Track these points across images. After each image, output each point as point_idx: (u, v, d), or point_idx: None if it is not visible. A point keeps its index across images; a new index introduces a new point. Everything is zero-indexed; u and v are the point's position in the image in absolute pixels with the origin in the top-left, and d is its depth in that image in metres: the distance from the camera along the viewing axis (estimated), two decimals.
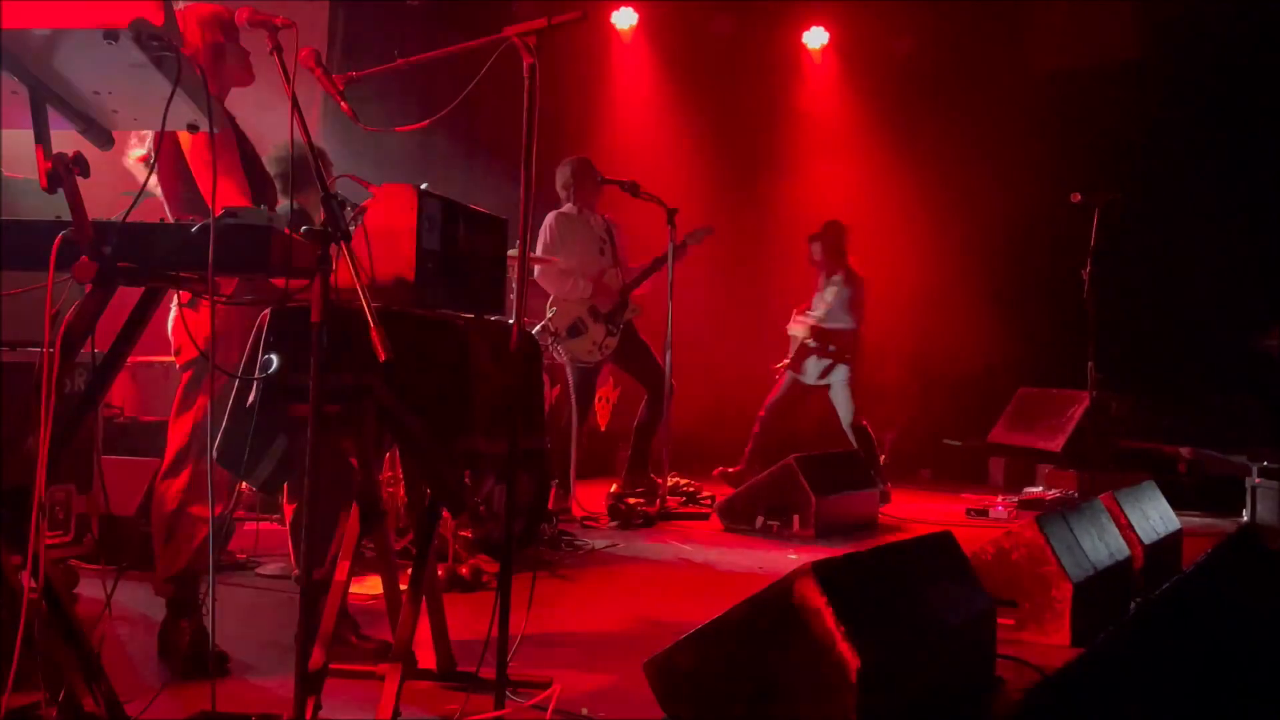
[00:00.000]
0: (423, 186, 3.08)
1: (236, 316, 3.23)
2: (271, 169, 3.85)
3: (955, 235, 8.95)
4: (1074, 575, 3.95)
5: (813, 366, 7.84)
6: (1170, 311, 8.50)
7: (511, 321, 3.08)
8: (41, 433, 2.27)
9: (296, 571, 3.81)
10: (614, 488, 6.92)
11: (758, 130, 9.56)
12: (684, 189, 8.02)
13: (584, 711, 3.08)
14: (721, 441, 8.63)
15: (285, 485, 3.55)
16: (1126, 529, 4.56)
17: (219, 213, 2.38)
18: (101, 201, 2.44)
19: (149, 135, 3.35)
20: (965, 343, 8.72)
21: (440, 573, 4.33)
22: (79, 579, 4.10)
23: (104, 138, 2.44)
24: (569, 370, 6.85)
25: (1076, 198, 6.59)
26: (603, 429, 8.16)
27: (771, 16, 9.60)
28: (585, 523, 6.38)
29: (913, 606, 3.11)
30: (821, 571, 2.77)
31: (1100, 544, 4.29)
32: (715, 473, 7.91)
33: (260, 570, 4.83)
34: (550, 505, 5.63)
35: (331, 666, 2.96)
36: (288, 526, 4.05)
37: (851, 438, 7.66)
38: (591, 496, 6.76)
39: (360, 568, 3.82)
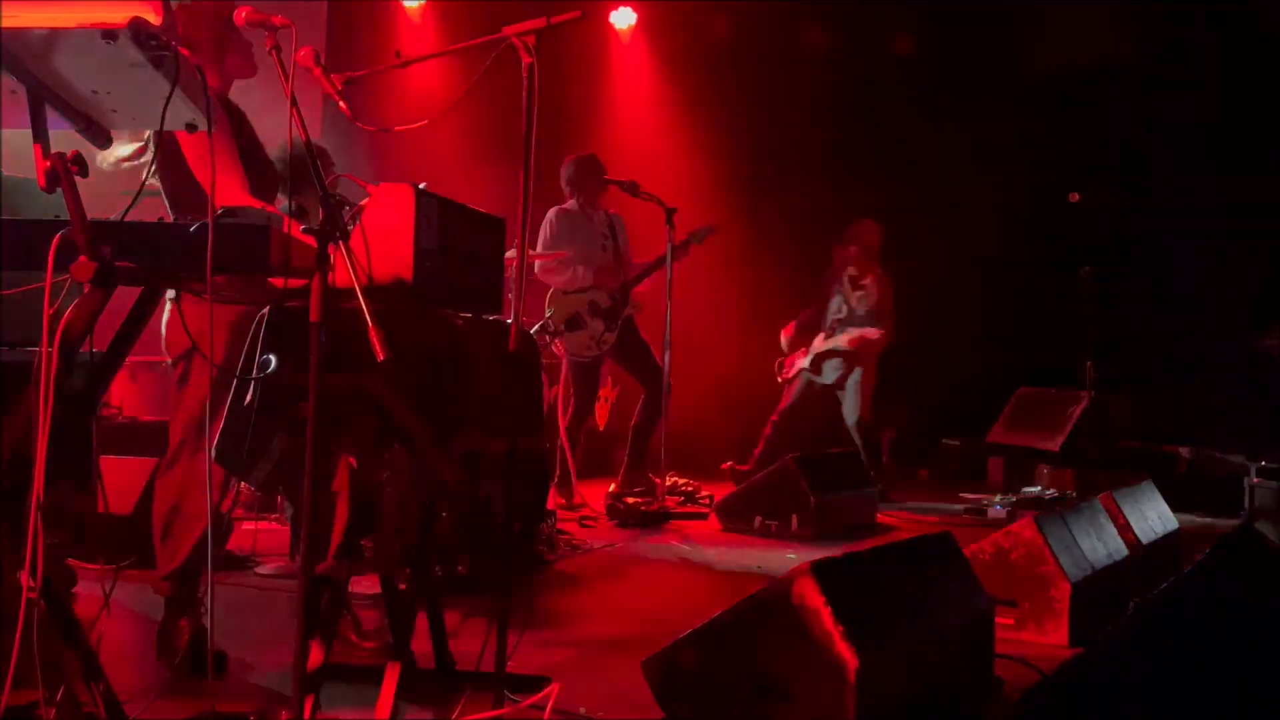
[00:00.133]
0: (421, 186, 3.08)
1: (225, 313, 3.22)
2: None
3: (954, 234, 8.95)
4: (1072, 575, 3.96)
5: (830, 370, 7.83)
6: (1169, 311, 8.50)
7: (510, 321, 3.08)
8: (40, 432, 2.27)
9: (296, 569, 3.82)
10: (612, 487, 6.92)
11: (757, 129, 9.55)
12: (683, 188, 8.01)
13: (582, 711, 3.08)
14: (720, 441, 8.63)
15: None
16: (1125, 529, 4.56)
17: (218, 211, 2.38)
18: (100, 201, 2.44)
19: (135, 136, 3.35)
20: (964, 342, 8.72)
21: (438, 572, 4.34)
22: (78, 578, 4.10)
23: (102, 137, 2.45)
24: (567, 366, 6.85)
25: (1075, 197, 6.60)
26: (601, 429, 8.16)
27: (770, 16, 9.60)
28: (584, 522, 6.38)
29: (911, 606, 3.11)
30: (820, 571, 2.77)
31: (1099, 544, 4.29)
32: (724, 466, 7.91)
33: (259, 569, 4.83)
34: (549, 504, 5.64)
35: (330, 665, 2.96)
36: (289, 525, 4.07)
37: (855, 437, 7.66)
38: (590, 496, 6.76)
39: (359, 566, 3.83)
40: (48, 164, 2.24)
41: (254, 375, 2.91)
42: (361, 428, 3.08)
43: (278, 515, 5.46)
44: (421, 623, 3.20)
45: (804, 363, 7.84)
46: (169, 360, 3.48)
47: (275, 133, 3.54)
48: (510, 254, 4.96)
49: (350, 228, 2.86)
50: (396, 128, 3.38)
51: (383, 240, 2.99)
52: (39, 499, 2.27)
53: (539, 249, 6.76)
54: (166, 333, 3.49)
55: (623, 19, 9.66)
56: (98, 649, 2.48)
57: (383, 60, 3.41)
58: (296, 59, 2.91)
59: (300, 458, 2.53)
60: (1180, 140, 8.46)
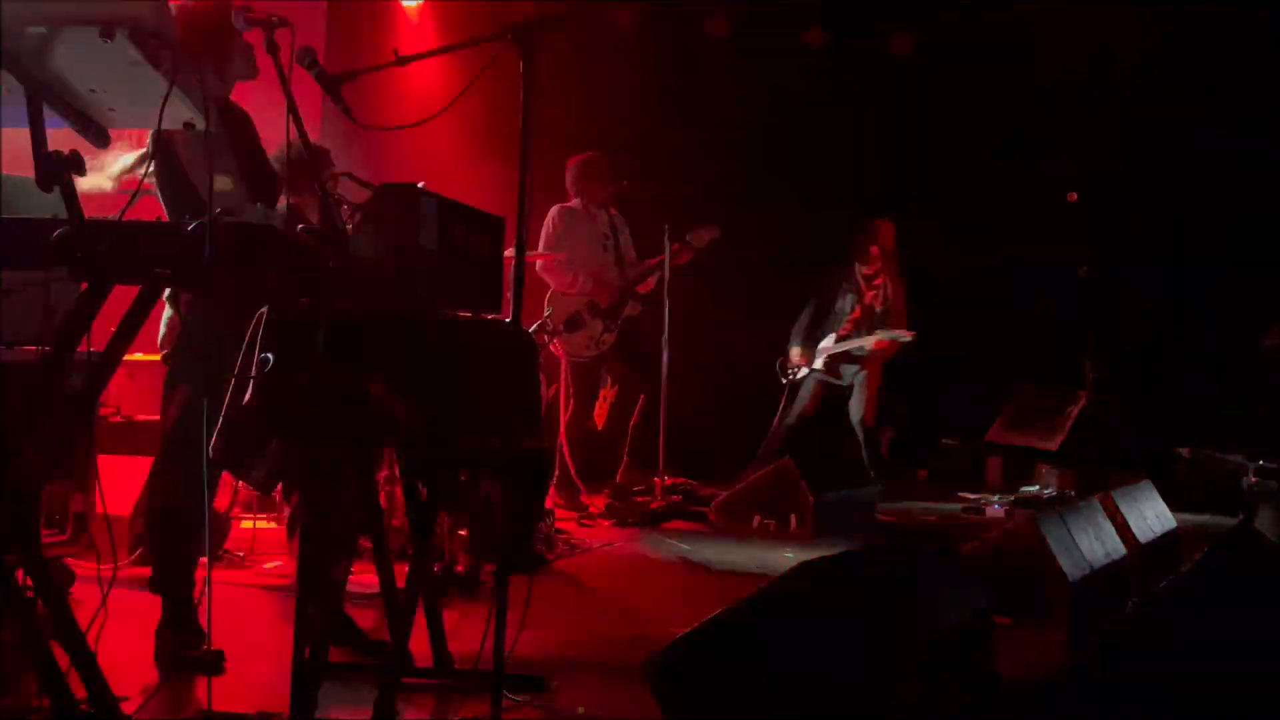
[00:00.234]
0: (420, 185, 3.07)
1: (222, 313, 3.22)
2: None
3: (952, 233, 8.95)
4: (1071, 574, 3.96)
5: (849, 371, 7.79)
6: (1168, 311, 8.50)
7: (509, 320, 3.08)
8: (38, 431, 2.27)
9: (294, 569, 3.82)
10: (611, 487, 6.92)
11: (755, 129, 9.54)
12: (682, 187, 8.01)
13: (580, 710, 3.08)
14: (718, 440, 8.63)
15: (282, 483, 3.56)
16: (1123, 528, 4.56)
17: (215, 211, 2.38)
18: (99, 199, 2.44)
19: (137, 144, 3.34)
20: (962, 342, 8.71)
21: (437, 571, 4.33)
22: (75, 577, 4.10)
23: (100, 136, 2.45)
24: (565, 365, 6.85)
25: (1073, 197, 6.60)
26: (600, 428, 8.16)
27: (768, 15, 9.59)
28: (583, 521, 6.38)
29: (909, 605, 3.11)
30: (817, 570, 2.77)
31: (1097, 543, 4.29)
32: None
33: (257, 569, 4.83)
34: (548, 504, 5.64)
35: (328, 664, 2.95)
36: (285, 525, 4.06)
37: (860, 435, 7.65)
38: (589, 496, 6.76)
39: (357, 566, 3.83)
40: (45, 163, 2.24)
41: (252, 374, 2.90)
42: (360, 427, 3.08)
43: (275, 514, 5.45)
44: (419, 622, 3.20)
45: (818, 363, 7.75)
46: (160, 357, 3.47)
47: (271, 131, 3.54)
48: (509, 251, 4.95)
49: (349, 227, 2.86)
50: (395, 126, 3.38)
51: (382, 239, 2.98)
52: (36, 498, 2.27)
53: (540, 247, 6.76)
54: (164, 333, 3.48)
55: (621, 18, 9.65)
56: (95, 649, 2.48)
57: (382, 59, 3.40)
58: (295, 58, 2.91)
59: (297, 457, 2.53)
60: (1178, 139, 8.46)
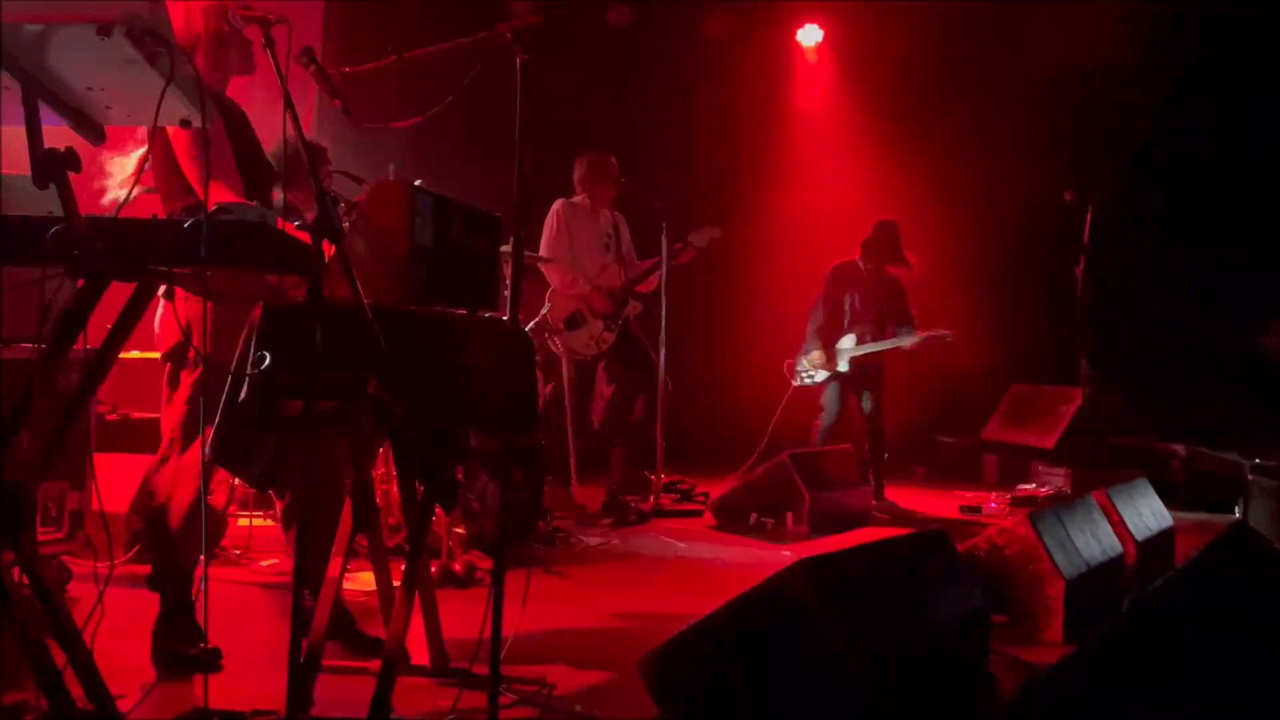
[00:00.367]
0: (417, 183, 3.07)
1: (218, 310, 3.22)
2: None
3: (949, 232, 8.96)
4: (1067, 572, 3.96)
5: (873, 370, 7.73)
6: (1163, 309, 8.51)
7: (506, 318, 3.08)
8: (34, 428, 2.27)
9: (291, 568, 3.82)
10: (608, 485, 6.92)
11: (753, 128, 9.56)
12: (680, 185, 8.02)
13: (578, 708, 3.08)
14: (716, 439, 8.64)
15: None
16: (1119, 526, 4.57)
17: (212, 208, 2.38)
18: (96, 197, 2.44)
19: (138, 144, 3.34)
20: (958, 339, 8.73)
21: (434, 569, 4.34)
22: (71, 575, 4.10)
23: (97, 133, 2.44)
24: (565, 363, 6.85)
25: (1069, 195, 6.60)
26: (596, 427, 8.16)
27: (766, 14, 9.60)
28: (580, 519, 6.38)
29: (905, 603, 3.11)
30: (814, 568, 2.77)
31: (1093, 541, 4.30)
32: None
33: (253, 566, 4.83)
34: (545, 502, 5.64)
35: (324, 663, 2.96)
36: (280, 522, 4.06)
37: (870, 433, 7.62)
38: (586, 494, 6.76)
39: (353, 564, 3.82)
40: (41, 160, 2.23)
41: (248, 372, 2.90)
42: (356, 425, 3.08)
43: (272, 512, 5.45)
44: (416, 619, 3.20)
45: (842, 365, 7.66)
46: (159, 355, 3.47)
47: (271, 129, 3.54)
48: (506, 248, 4.95)
49: (346, 224, 2.86)
50: (392, 124, 3.38)
51: (378, 237, 2.98)
52: (32, 495, 2.27)
53: (543, 239, 6.79)
54: (159, 330, 3.48)
55: (619, 17, 9.65)
56: (92, 646, 2.48)
57: (379, 57, 3.40)
58: (292, 55, 2.90)
59: (294, 455, 2.53)
60: (1175, 138, 8.47)
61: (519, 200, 2.97)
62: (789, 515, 6.17)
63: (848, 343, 7.57)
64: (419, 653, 3.31)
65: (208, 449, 2.98)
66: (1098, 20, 8.54)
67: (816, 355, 7.61)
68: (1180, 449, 7.89)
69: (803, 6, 9.78)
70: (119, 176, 3.24)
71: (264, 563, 4.84)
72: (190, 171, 3.29)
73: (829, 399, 7.57)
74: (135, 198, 2.68)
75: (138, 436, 4.86)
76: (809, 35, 9.91)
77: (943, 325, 7.51)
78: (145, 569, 3.49)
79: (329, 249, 2.55)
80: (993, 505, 7.26)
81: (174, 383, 3.41)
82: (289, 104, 2.64)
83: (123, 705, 2.63)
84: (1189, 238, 8.42)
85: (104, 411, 5.09)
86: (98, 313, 2.42)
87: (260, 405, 2.85)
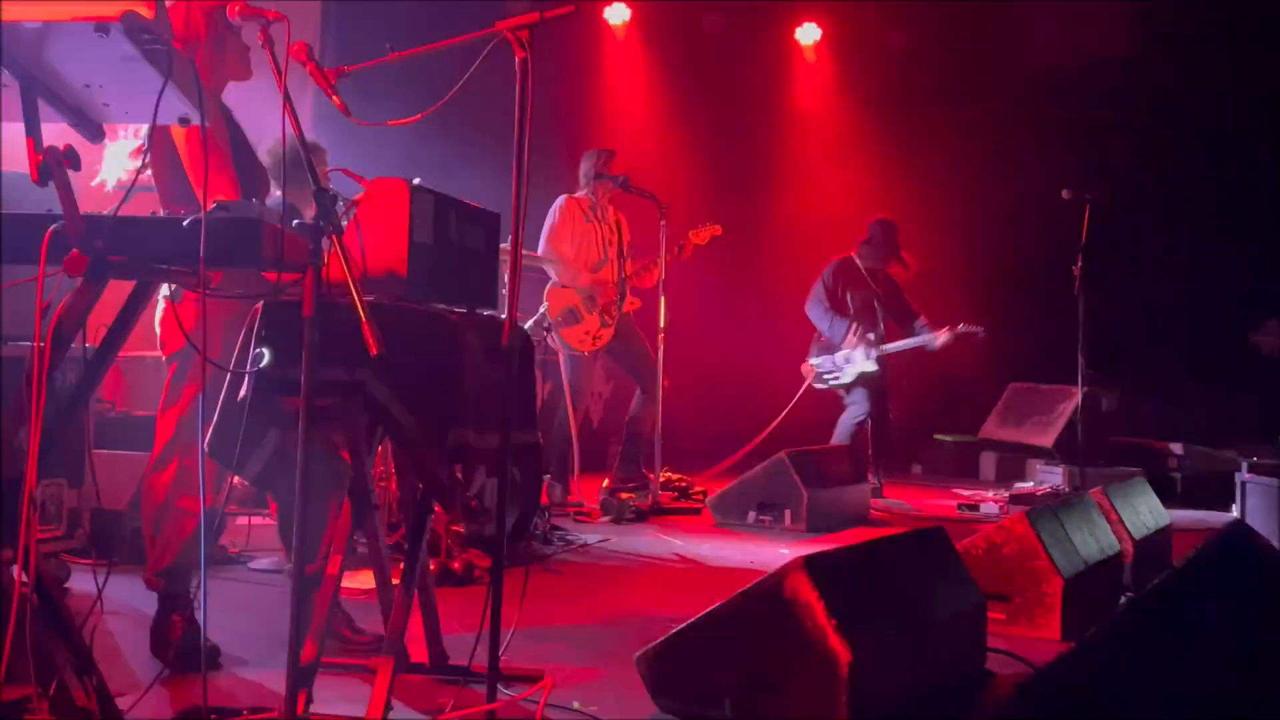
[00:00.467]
0: (415, 181, 3.07)
1: (220, 309, 3.22)
2: (264, 162, 3.85)
3: (946, 230, 8.97)
4: (1064, 570, 3.97)
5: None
6: (1161, 307, 8.52)
7: (504, 316, 3.08)
8: (33, 427, 2.27)
9: (288, 565, 3.82)
10: (606, 482, 6.93)
11: (752, 127, 9.56)
12: (679, 185, 8.02)
13: (575, 705, 3.09)
14: (714, 438, 8.63)
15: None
16: (1117, 524, 4.58)
17: (210, 206, 2.38)
18: (94, 195, 2.44)
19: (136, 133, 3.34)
20: (956, 338, 8.73)
21: (432, 567, 4.34)
22: (70, 573, 4.10)
23: (95, 131, 2.44)
24: (562, 360, 6.86)
25: (1067, 194, 6.61)
26: (595, 424, 8.17)
27: (764, 13, 9.60)
28: (578, 517, 6.39)
29: (904, 600, 3.12)
30: (813, 566, 2.78)
31: (1091, 539, 4.31)
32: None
33: (252, 564, 4.83)
34: (543, 500, 5.64)
35: (323, 660, 2.96)
36: (276, 520, 4.06)
37: (878, 430, 7.64)
38: (584, 491, 6.77)
39: (352, 562, 3.83)
40: (40, 158, 2.24)
41: (247, 370, 2.90)
42: (355, 423, 3.08)
43: (270, 510, 5.45)
44: (415, 617, 3.20)
45: (869, 367, 7.60)
46: (163, 357, 3.47)
47: (268, 128, 3.54)
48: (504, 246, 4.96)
49: (344, 223, 2.86)
50: (390, 122, 3.38)
51: (377, 235, 2.99)
52: (32, 493, 2.27)
53: (544, 233, 6.81)
54: (160, 329, 3.48)
55: (616, 15, 9.65)
56: (91, 644, 2.48)
57: (377, 56, 3.40)
58: (290, 53, 2.90)
59: (293, 452, 2.53)
60: (1173, 137, 8.48)
61: (519, 199, 2.97)
62: (787, 513, 6.17)
63: (867, 342, 7.56)
64: (418, 650, 3.32)
65: (205, 446, 2.98)
66: (1097, 18, 8.55)
67: (841, 355, 7.58)
68: (1178, 448, 7.90)
69: (802, 6, 9.78)
70: (109, 162, 3.24)
71: (263, 561, 4.84)
72: (191, 169, 3.29)
73: (860, 395, 7.60)
74: (134, 197, 2.67)
75: (136, 434, 4.86)
76: (807, 34, 9.91)
77: (940, 324, 7.53)
78: (144, 566, 3.49)
79: (328, 247, 2.55)
80: (990, 503, 7.26)
81: (177, 382, 3.40)
82: (288, 102, 2.64)
83: (122, 703, 2.63)
84: (1187, 236, 8.43)
85: (103, 409, 5.10)
86: (96, 311, 2.42)
87: (259, 403, 2.85)
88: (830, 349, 7.66)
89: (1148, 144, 8.56)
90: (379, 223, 3.01)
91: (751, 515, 6.28)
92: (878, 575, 3.12)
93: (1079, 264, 6.64)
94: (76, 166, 2.27)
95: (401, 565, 3.12)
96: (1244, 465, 6.26)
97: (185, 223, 2.34)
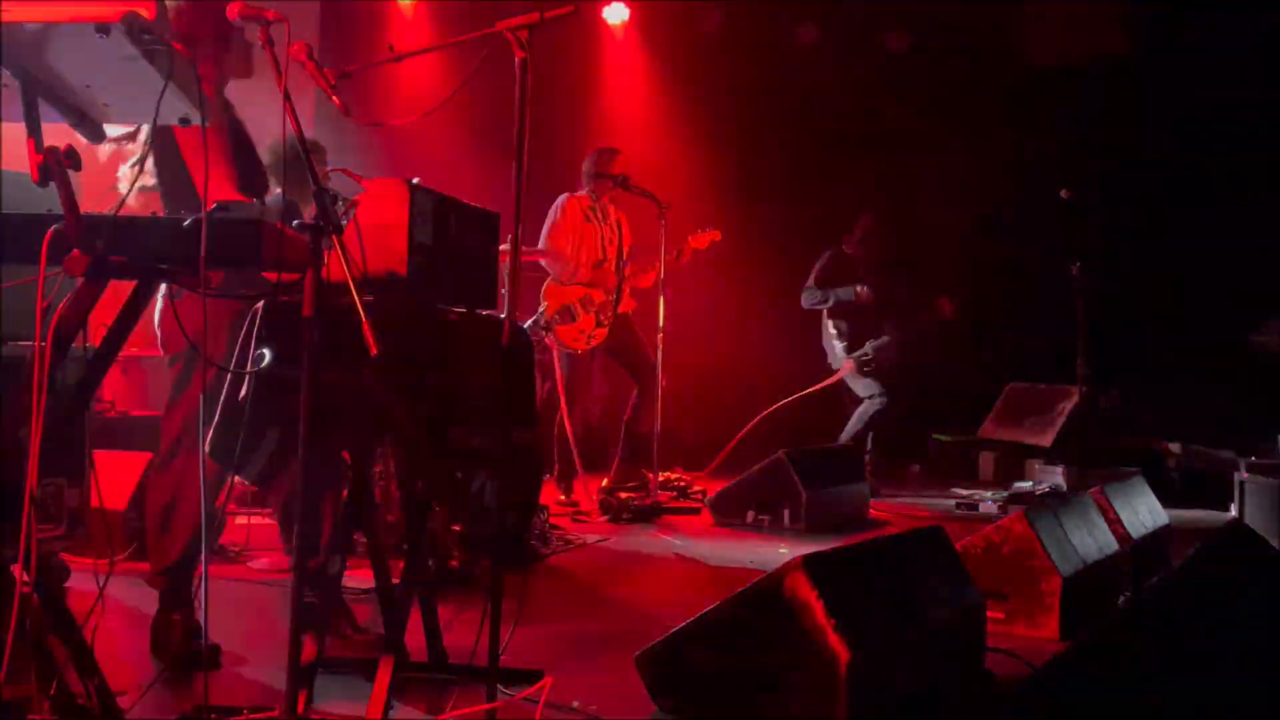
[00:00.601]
0: (414, 181, 3.08)
1: (221, 309, 3.22)
2: (264, 160, 3.85)
3: (945, 230, 8.97)
4: (1063, 569, 3.97)
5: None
6: (1160, 307, 8.53)
7: (503, 316, 3.09)
8: (33, 426, 2.28)
9: (288, 564, 3.83)
10: (605, 482, 6.93)
11: (751, 127, 9.55)
12: (678, 185, 8.01)
13: (575, 704, 3.09)
14: (713, 437, 8.63)
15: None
16: (1115, 523, 4.58)
17: (211, 206, 2.38)
18: (94, 195, 2.44)
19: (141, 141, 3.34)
20: (955, 338, 8.73)
21: (431, 566, 4.34)
22: (71, 572, 4.10)
23: (95, 131, 2.45)
24: (556, 358, 6.86)
25: (1066, 194, 6.61)
26: (595, 424, 8.17)
27: (763, 13, 9.59)
28: (577, 517, 6.39)
29: (903, 600, 3.13)
30: (812, 565, 2.78)
31: (1089, 538, 4.31)
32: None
33: (252, 564, 4.84)
34: (543, 499, 5.64)
35: (323, 659, 2.96)
36: (276, 520, 4.06)
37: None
38: (584, 491, 6.77)
39: (352, 562, 3.83)
40: (40, 158, 2.24)
41: (248, 370, 2.91)
42: (355, 422, 3.09)
43: (270, 509, 5.46)
44: (415, 616, 3.21)
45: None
46: (167, 358, 3.48)
47: (268, 128, 3.54)
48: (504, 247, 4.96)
49: (344, 222, 2.86)
50: (390, 122, 3.38)
51: (377, 235, 2.99)
52: (32, 493, 2.27)
53: (544, 230, 6.83)
54: (161, 330, 3.48)
55: (615, 15, 9.64)
56: (92, 643, 2.48)
57: (376, 55, 3.41)
58: (290, 53, 2.91)
59: (294, 452, 2.53)
60: (1171, 136, 8.48)
61: (518, 199, 2.98)
62: (786, 512, 6.17)
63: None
64: (417, 650, 3.32)
65: (206, 446, 2.99)
66: (1096, 17, 8.55)
67: (870, 344, 7.72)
68: (1176, 447, 7.90)
69: (799, 4, 9.77)
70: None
71: (262, 560, 4.85)
72: (192, 167, 3.30)
73: (874, 383, 7.67)
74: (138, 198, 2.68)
75: (137, 433, 4.87)
76: (806, 33, 9.90)
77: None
78: (145, 566, 3.50)
79: (328, 247, 2.55)
80: (989, 503, 7.27)
81: (181, 382, 3.41)
82: (288, 101, 2.64)
83: (123, 702, 2.63)
84: (1186, 236, 8.43)
85: (103, 409, 5.10)
86: (96, 311, 2.43)
87: (259, 403, 2.86)
88: (849, 335, 7.73)
89: (1148, 144, 8.56)
90: (379, 223, 3.01)
91: (750, 515, 6.28)
92: (877, 575, 3.13)
93: (1079, 264, 6.64)
94: (77, 166, 2.27)
95: (401, 565, 3.12)
96: (1243, 465, 6.27)
97: (185, 223, 2.34)
